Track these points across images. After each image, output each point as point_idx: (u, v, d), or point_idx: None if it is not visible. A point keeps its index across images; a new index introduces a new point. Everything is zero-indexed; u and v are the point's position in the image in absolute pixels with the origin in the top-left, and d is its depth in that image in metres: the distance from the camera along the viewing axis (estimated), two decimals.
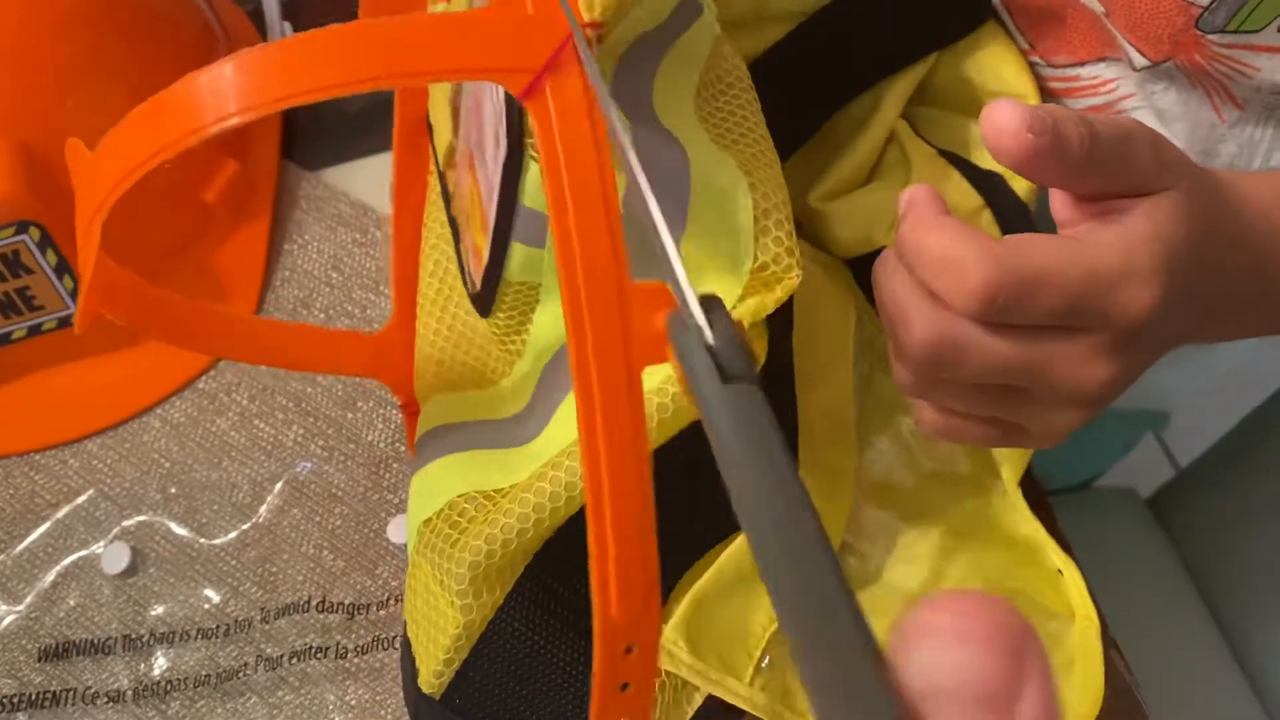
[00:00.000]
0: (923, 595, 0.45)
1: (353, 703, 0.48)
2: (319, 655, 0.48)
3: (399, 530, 0.52)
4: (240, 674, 0.49)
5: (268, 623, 0.50)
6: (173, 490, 0.54)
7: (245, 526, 0.53)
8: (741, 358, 0.22)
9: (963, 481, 0.49)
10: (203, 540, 0.53)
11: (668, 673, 0.41)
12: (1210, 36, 0.45)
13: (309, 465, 0.54)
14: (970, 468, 0.49)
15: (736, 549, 0.41)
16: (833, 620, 0.17)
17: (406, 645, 0.42)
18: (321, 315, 0.59)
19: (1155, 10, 0.45)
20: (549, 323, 0.40)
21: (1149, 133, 0.35)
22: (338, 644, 0.49)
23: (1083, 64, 0.52)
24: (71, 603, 0.52)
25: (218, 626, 0.50)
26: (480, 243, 0.40)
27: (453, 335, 0.44)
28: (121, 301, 0.35)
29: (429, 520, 0.40)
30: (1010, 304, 0.33)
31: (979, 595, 0.16)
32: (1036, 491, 0.52)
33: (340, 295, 0.60)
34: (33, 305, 0.53)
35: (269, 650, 0.49)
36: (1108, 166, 0.34)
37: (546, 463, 0.38)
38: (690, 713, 0.42)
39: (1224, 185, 0.38)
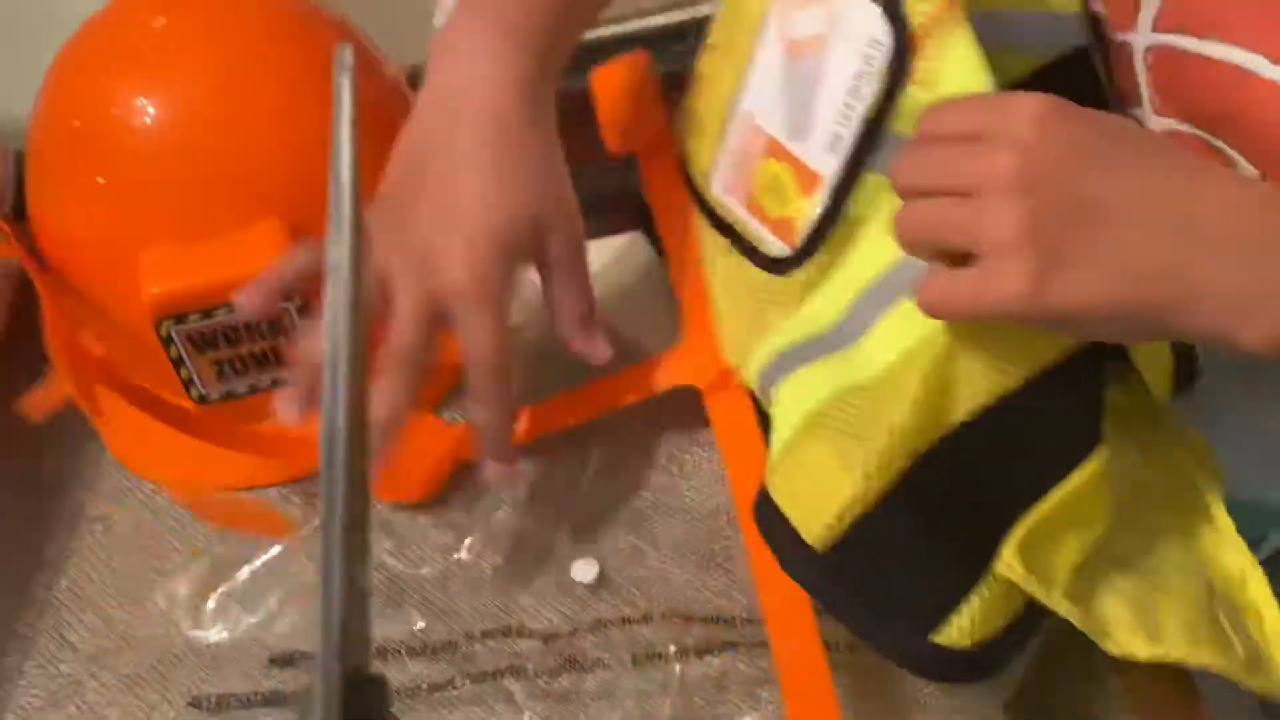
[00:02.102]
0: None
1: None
2: (519, 675, 0.56)
3: (582, 570, 0.60)
4: (448, 688, 0.57)
5: (473, 643, 0.58)
6: (383, 528, 0.63)
7: (447, 562, 0.61)
8: None
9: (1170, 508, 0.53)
10: (410, 571, 0.62)
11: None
12: None
13: (503, 512, 0.63)
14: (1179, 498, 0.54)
15: (1066, 494, 0.48)
16: None
17: (777, 518, 0.51)
18: None
19: None
20: (871, 251, 0.52)
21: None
22: (536, 666, 0.57)
23: None
24: (296, 617, 0.61)
25: (424, 646, 0.58)
26: (795, 210, 0.55)
27: (752, 302, 0.58)
28: None
29: (813, 410, 0.51)
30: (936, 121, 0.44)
31: None
32: None
33: None
34: (281, 362, 0.63)
35: (471, 669, 0.57)
36: None
37: (898, 364, 0.49)
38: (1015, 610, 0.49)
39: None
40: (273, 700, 0.58)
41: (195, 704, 0.58)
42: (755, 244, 0.58)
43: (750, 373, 0.58)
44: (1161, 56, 0.52)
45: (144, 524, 0.64)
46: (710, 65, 0.61)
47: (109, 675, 0.59)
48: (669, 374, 0.63)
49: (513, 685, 0.56)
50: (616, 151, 0.67)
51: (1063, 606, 0.47)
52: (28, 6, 0.82)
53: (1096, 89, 0.55)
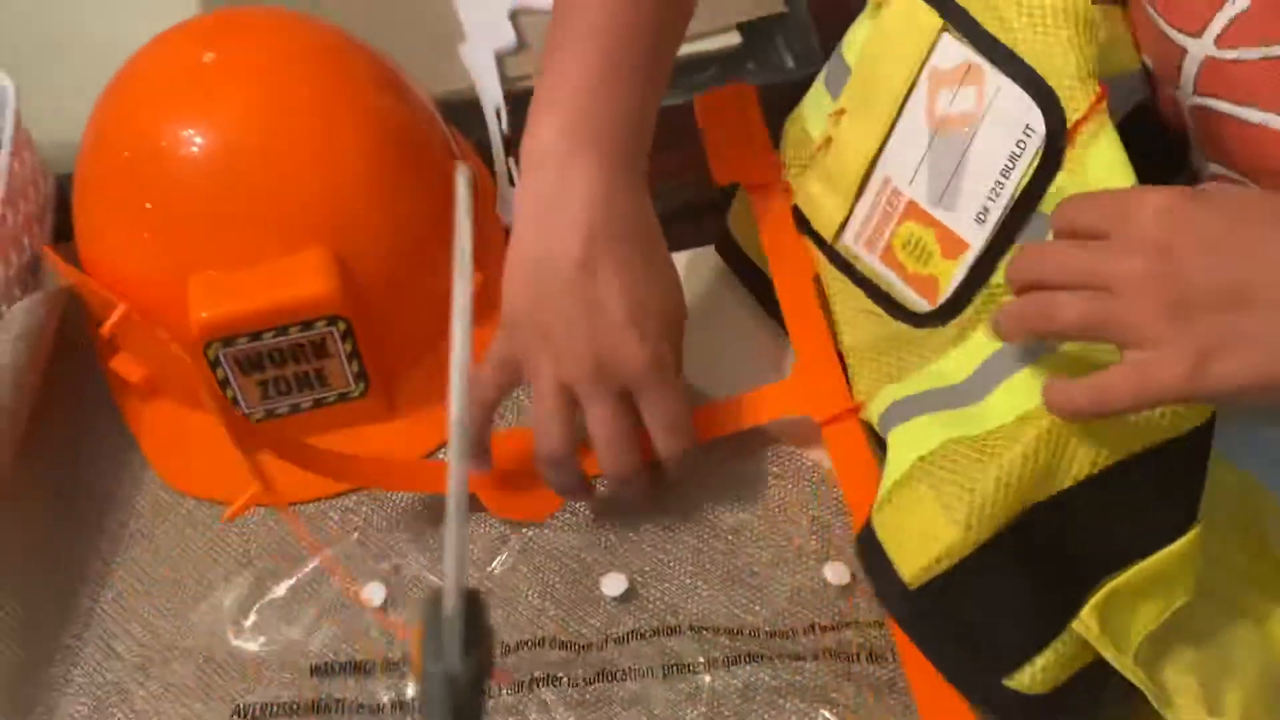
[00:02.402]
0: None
1: None
2: (553, 684, 0.59)
3: (611, 584, 0.62)
4: (487, 697, 0.59)
5: (507, 655, 0.60)
6: (418, 544, 0.65)
7: (481, 575, 0.64)
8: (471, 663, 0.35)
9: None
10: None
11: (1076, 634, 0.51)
12: None
13: (534, 529, 0.65)
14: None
15: (1155, 563, 0.50)
16: None
17: (878, 551, 0.56)
18: None
19: None
20: None
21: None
22: (569, 676, 0.59)
23: None
24: (337, 629, 0.63)
25: None
26: (939, 271, 0.59)
27: (888, 346, 0.61)
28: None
29: (924, 456, 0.54)
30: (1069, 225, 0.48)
31: None
32: None
33: None
34: (323, 383, 0.65)
35: (507, 679, 0.60)
36: None
37: (1015, 424, 0.52)
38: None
39: None
40: (315, 709, 0.60)
41: (239, 712, 0.60)
42: (893, 296, 0.62)
43: (872, 413, 0.61)
44: (1202, 114, 0.57)
45: (185, 539, 0.67)
46: (843, 128, 0.64)
47: (155, 684, 0.61)
48: (784, 404, 0.65)
49: (547, 694, 0.59)
50: (722, 183, 0.71)
51: (1129, 671, 0.50)
52: (72, 39, 0.85)
53: (1164, 138, 0.60)
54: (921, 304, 0.61)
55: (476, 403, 0.62)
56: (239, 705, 0.60)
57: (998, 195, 0.57)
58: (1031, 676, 0.52)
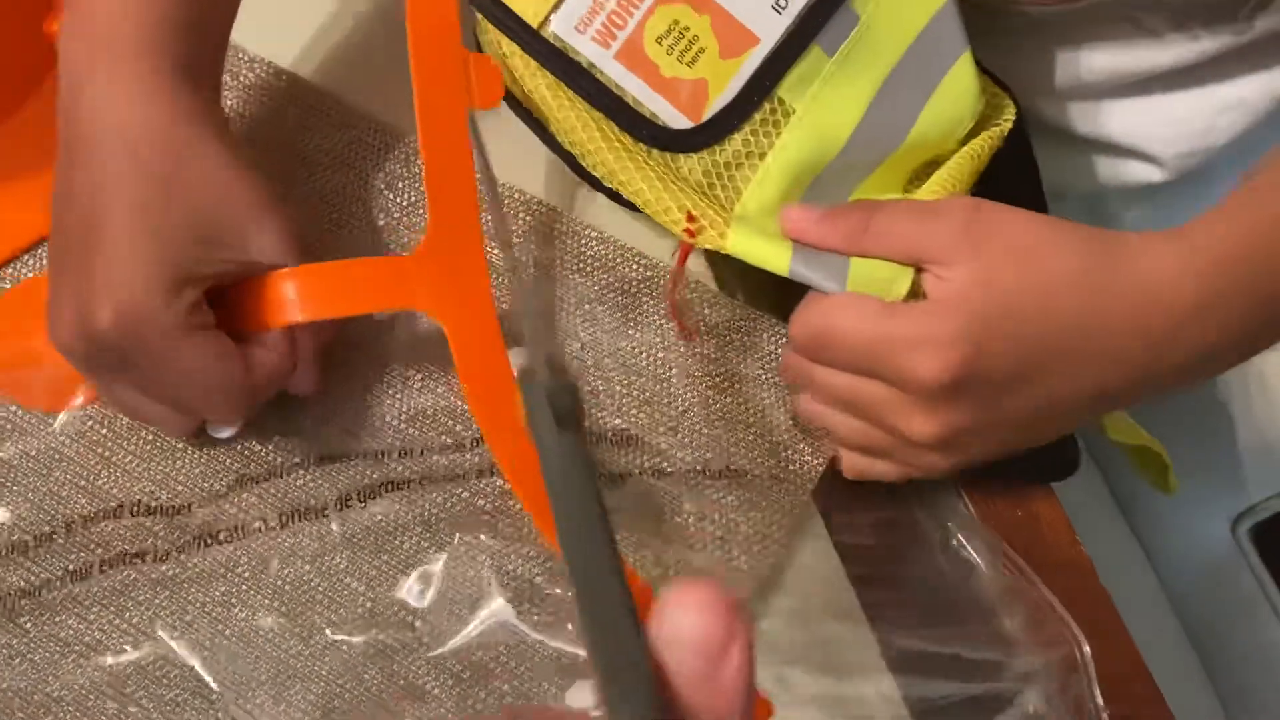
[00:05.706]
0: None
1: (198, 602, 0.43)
2: (136, 561, 0.43)
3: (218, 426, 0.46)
4: (41, 593, 0.43)
5: (73, 534, 0.44)
6: None
7: (45, 432, 0.47)
8: (570, 412, 0.29)
9: None
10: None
11: None
12: None
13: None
14: None
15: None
16: (609, 613, 0.24)
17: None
18: None
19: None
20: (806, 138, 0.47)
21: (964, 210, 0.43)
22: (157, 547, 0.44)
23: None
24: None
25: (12, 545, 0.44)
26: (713, 73, 0.46)
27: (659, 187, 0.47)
28: None
29: None
30: (814, 351, 0.45)
31: (712, 582, 0.24)
32: None
33: None
34: None
35: (75, 564, 0.44)
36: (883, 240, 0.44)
37: None
38: None
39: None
40: None
41: None
42: (638, 109, 0.47)
43: None
44: None
45: None
46: None
47: None
48: (395, 292, 0.44)
49: (128, 575, 0.44)
50: None
51: None
52: None
53: None
54: (678, 119, 0.47)
55: None
56: None
57: None
58: None
